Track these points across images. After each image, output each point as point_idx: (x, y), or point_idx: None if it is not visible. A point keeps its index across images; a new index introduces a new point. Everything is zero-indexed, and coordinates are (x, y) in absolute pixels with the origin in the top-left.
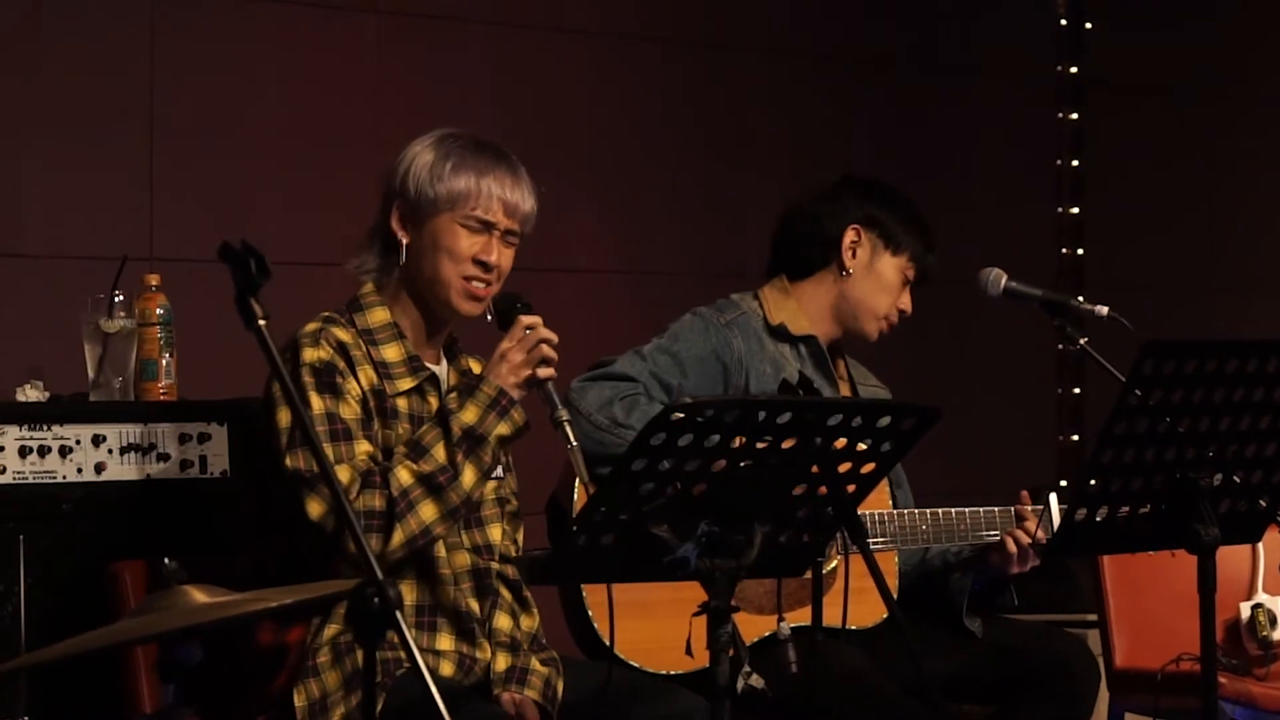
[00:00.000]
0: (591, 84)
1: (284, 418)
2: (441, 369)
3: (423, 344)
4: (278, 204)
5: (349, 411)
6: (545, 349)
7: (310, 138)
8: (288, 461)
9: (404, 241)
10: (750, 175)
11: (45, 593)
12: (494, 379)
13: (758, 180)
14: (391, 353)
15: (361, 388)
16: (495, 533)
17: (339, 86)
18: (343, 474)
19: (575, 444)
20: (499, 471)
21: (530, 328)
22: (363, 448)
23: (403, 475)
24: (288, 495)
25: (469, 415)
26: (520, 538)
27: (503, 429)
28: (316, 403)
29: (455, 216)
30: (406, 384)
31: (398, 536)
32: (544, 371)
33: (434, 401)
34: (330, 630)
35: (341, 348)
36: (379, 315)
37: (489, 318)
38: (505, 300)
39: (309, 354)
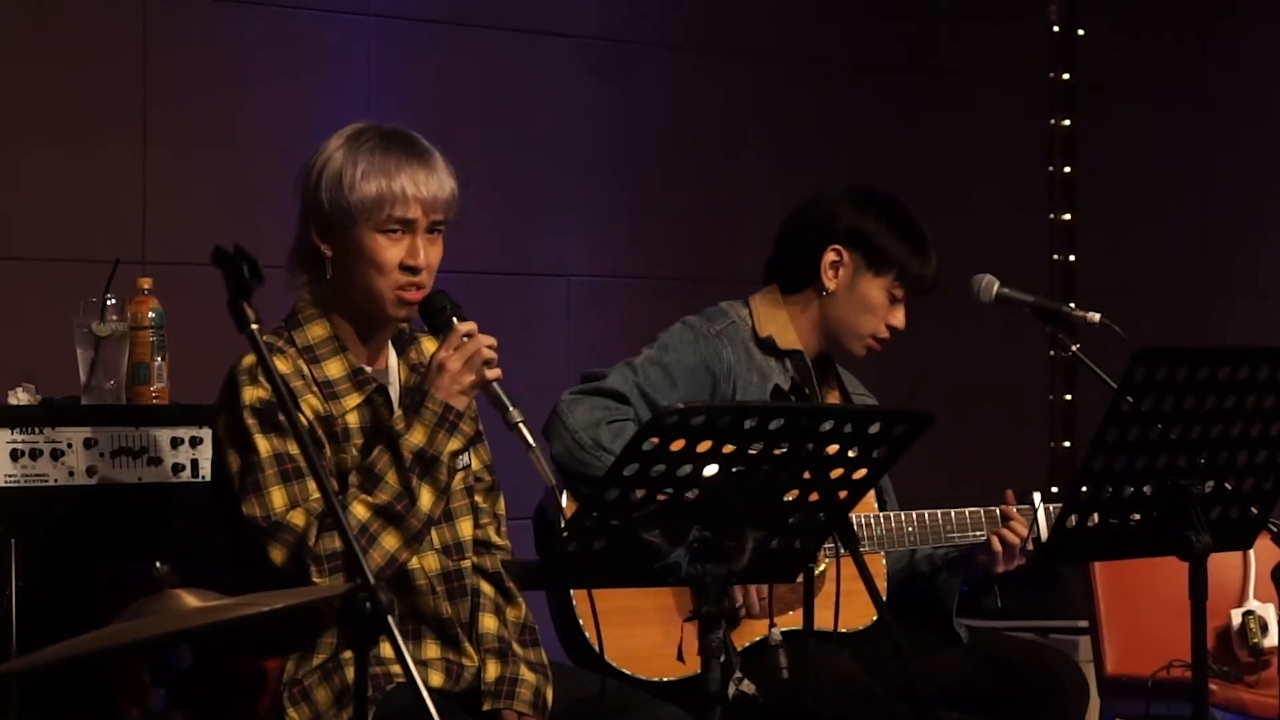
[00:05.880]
0: (585, 88)
1: (234, 461)
2: (391, 367)
3: (364, 351)
4: (271, 207)
5: (297, 448)
6: (486, 351)
7: (303, 141)
8: (244, 509)
9: (327, 255)
10: (745, 180)
11: (37, 596)
12: (437, 394)
13: (752, 185)
14: (334, 369)
15: (307, 418)
16: (465, 528)
17: (332, 89)
18: (298, 519)
19: (534, 445)
20: (464, 459)
21: (467, 335)
22: (315, 486)
23: (359, 511)
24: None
25: (417, 437)
26: (501, 508)
27: (454, 444)
28: (263, 445)
29: (373, 225)
30: (353, 401)
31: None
32: (491, 373)
33: (385, 411)
34: (319, 658)
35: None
36: (318, 330)
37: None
38: (433, 302)
39: (249, 394)
